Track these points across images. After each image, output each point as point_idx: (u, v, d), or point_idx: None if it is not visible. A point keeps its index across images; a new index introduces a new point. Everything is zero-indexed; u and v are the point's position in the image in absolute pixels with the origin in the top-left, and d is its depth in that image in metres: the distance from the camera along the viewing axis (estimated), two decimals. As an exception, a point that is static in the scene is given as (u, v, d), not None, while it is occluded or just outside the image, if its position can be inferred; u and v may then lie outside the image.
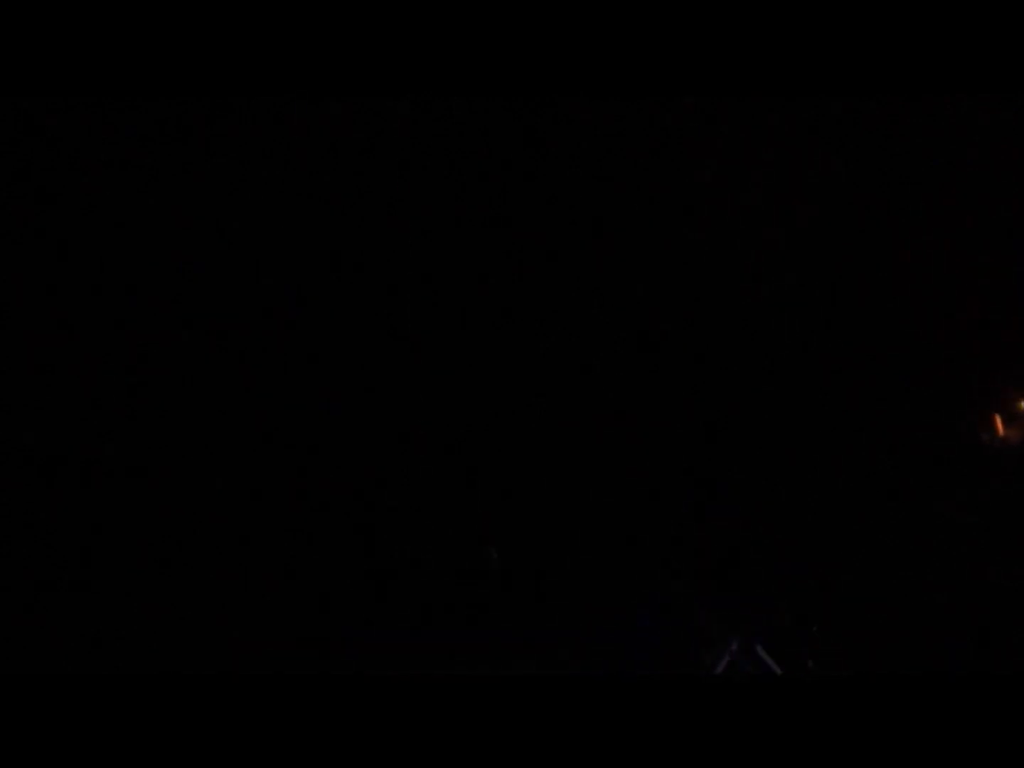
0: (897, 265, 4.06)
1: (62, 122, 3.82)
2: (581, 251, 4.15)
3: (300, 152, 4.00)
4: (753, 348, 4.17)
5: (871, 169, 4.04)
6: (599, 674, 3.55)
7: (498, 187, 4.08)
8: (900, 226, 4.06)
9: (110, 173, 3.92)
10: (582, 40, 3.54)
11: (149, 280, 4.05)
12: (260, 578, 3.95)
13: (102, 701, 2.99)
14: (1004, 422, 3.92)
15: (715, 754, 2.86)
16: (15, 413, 3.99)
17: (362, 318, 4.16)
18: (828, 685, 3.02)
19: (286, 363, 4.15)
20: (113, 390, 4.08)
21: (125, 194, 3.96)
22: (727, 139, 4.02)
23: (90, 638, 3.62)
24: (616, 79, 3.59)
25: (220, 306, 4.11)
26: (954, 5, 3.48)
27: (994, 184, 3.99)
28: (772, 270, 4.12)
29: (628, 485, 4.23)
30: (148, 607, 3.77)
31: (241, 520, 4.09)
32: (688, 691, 3.00)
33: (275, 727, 2.91)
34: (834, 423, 4.13)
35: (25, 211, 3.92)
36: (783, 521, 4.04)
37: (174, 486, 4.08)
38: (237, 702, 2.95)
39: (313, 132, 3.96)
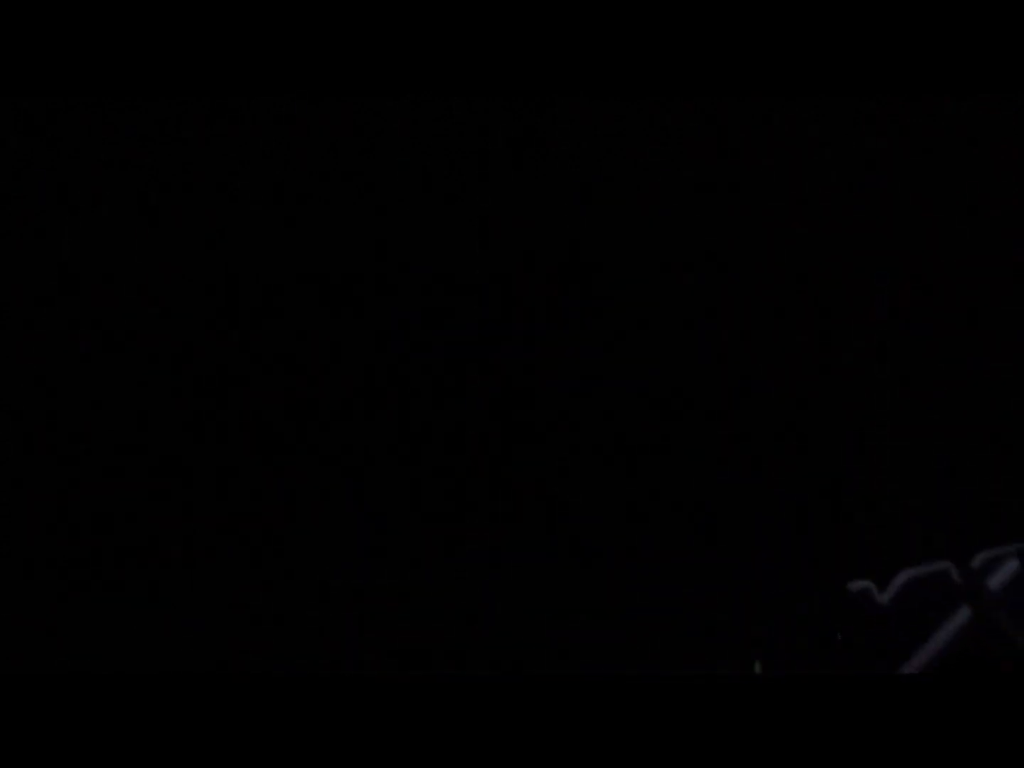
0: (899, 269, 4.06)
1: (62, 122, 3.82)
2: (580, 253, 4.15)
3: (300, 152, 4.01)
4: (754, 353, 4.17)
5: (869, 168, 4.04)
6: (597, 674, 3.55)
7: (497, 187, 4.08)
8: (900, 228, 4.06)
9: (110, 173, 3.92)
10: (582, 40, 3.54)
11: (147, 279, 4.05)
12: (257, 577, 3.95)
13: (102, 701, 2.99)
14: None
15: (715, 754, 2.86)
16: (15, 413, 3.99)
17: (359, 319, 4.16)
18: (828, 685, 3.02)
19: (285, 363, 4.15)
20: (112, 389, 4.08)
21: (124, 194, 3.96)
22: (722, 140, 4.02)
23: (89, 638, 3.61)
24: (616, 79, 3.59)
25: (219, 306, 4.11)
26: (954, 5, 3.48)
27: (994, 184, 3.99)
28: (772, 274, 4.12)
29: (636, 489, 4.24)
30: (147, 606, 3.77)
31: (238, 519, 4.10)
32: (688, 691, 2.99)
33: (272, 727, 2.91)
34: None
35: (24, 212, 3.93)
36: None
37: (172, 485, 4.08)
38: (235, 702, 2.95)
39: (313, 132, 3.96)
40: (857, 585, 3.00)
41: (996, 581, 2.88)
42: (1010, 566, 2.90)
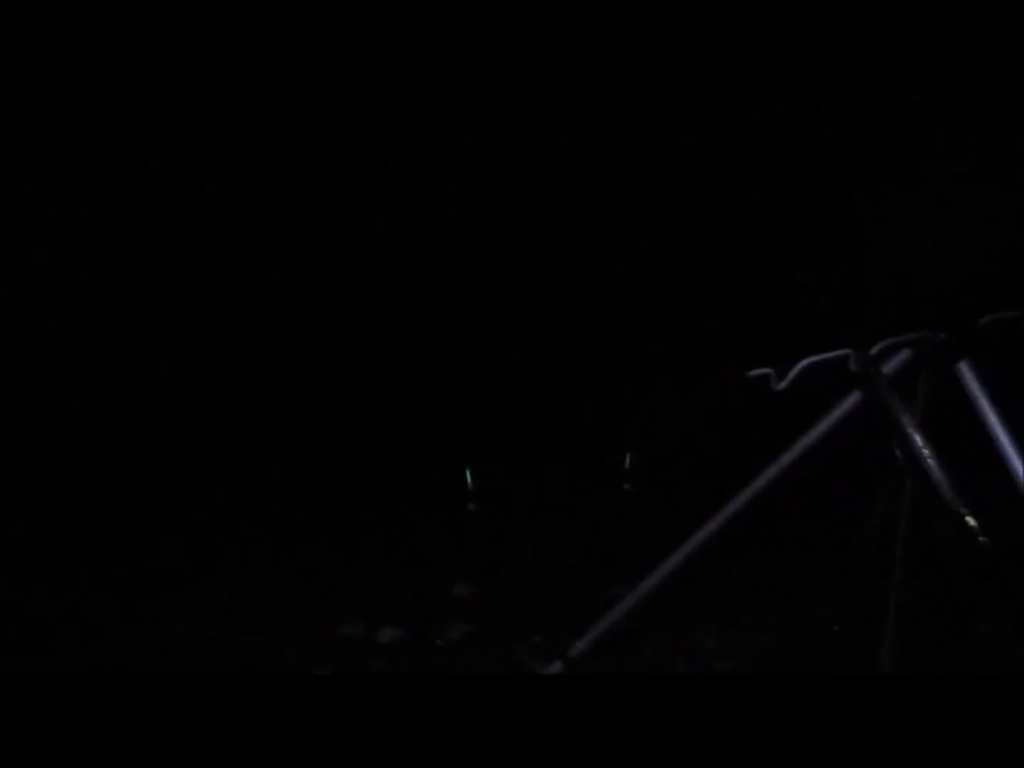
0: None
1: (61, 122, 3.82)
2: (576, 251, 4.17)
3: (299, 152, 4.01)
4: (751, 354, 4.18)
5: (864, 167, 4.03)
6: (597, 673, 3.55)
7: (495, 187, 4.09)
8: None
9: (109, 172, 3.93)
10: (581, 40, 3.53)
11: (148, 278, 4.06)
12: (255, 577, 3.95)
13: (102, 701, 2.98)
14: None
15: (716, 754, 2.85)
16: (15, 411, 4.00)
17: (356, 318, 4.17)
18: (833, 685, 3.01)
19: (284, 362, 4.16)
20: (110, 388, 4.10)
21: (124, 193, 3.97)
22: (713, 138, 4.02)
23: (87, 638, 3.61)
24: (616, 79, 3.58)
25: (217, 305, 4.13)
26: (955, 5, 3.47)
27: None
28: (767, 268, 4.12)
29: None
30: (146, 606, 3.77)
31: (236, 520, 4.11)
32: (691, 690, 2.99)
33: (271, 727, 2.91)
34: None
35: (25, 212, 3.94)
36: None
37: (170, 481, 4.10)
38: (233, 702, 2.94)
39: (312, 132, 3.97)
40: (756, 372, 3.04)
41: (889, 367, 2.96)
42: (904, 354, 2.97)
